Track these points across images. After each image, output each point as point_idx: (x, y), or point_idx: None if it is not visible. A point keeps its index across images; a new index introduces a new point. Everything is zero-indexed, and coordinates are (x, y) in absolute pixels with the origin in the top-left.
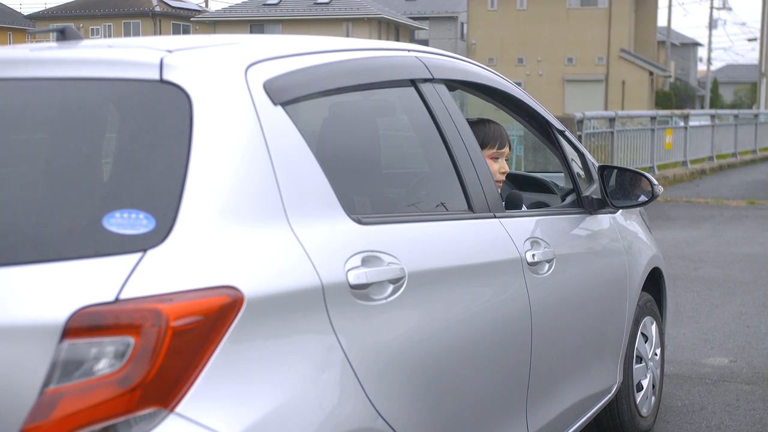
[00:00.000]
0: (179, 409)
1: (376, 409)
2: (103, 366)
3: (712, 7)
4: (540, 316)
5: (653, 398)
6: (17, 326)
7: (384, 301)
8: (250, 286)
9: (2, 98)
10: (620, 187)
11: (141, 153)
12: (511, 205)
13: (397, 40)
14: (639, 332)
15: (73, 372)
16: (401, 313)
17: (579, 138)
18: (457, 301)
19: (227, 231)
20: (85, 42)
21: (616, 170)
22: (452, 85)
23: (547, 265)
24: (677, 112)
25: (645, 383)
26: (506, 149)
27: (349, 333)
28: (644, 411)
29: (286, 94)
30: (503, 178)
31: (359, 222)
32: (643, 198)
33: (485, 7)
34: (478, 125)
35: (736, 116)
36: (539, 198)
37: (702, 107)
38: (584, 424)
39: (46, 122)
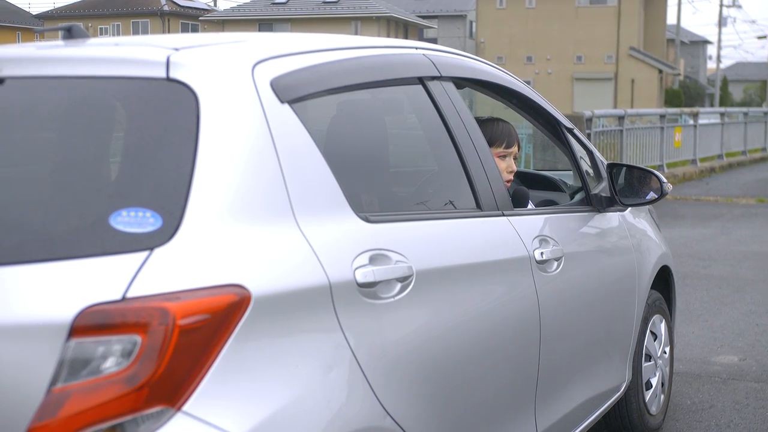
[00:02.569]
0: (186, 407)
1: (384, 408)
2: (110, 364)
3: (721, 5)
4: (548, 315)
5: (662, 396)
6: (24, 325)
7: (392, 300)
8: (258, 284)
9: (9, 96)
10: (629, 185)
11: (148, 151)
12: (517, 201)
13: (406, 38)
14: (648, 330)
15: (80, 370)
16: (409, 312)
17: (588, 136)
18: (465, 300)
19: (234, 229)
20: (92, 40)
21: (625, 168)
22: (460, 83)
23: (555, 264)
24: (686, 110)
25: (654, 381)
26: (514, 148)
27: (356, 331)
28: (653, 409)
29: (293, 92)
30: (511, 177)
31: (367, 220)
32: (652, 196)
33: (494, 6)
34: (486, 124)
35: (745, 114)
36: (548, 196)
37: (711, 105)
38: (593, 422)
39: (53, 121)
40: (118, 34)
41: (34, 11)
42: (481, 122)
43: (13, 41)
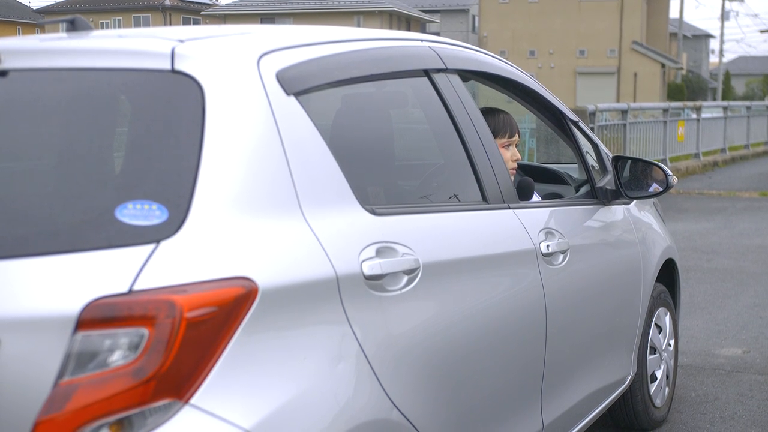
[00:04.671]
0: (194, 400)
1: (391, 401)
2: (117, 358)
3: None
4: (554, 307)
5: (667, 389)
6: (31, 318)
7: (398, 292)
8: (265, 277)
9: (13, 89)
10: (634, 178)
11: (153, 144)
12: (522, 191)
13: None
14: (653, 323)
15: (87, 364)
16: (416, 304)
17: (591, 130)
18: (471, 292)
19: (241, 222)
20: (96, 32)
21: (630, 161)
22: (466, 75)
23: (561, 256)
24: (690, 104)
25: (659, 374)
26: (516, 137)
27: (363, 324)
28: (658, 401)
29: (299, 84)
30: (516, 165)
31: (373, 213)
32: (657, 188)
33: (497, 0)
34: (487, 115)
35: (748, 108)
36: (553, 189)
37: (714, 99)
38: (599, 414)
39: (57, 113)
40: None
41: (35, 6)
42: (481, 113)
43: (13, 36)
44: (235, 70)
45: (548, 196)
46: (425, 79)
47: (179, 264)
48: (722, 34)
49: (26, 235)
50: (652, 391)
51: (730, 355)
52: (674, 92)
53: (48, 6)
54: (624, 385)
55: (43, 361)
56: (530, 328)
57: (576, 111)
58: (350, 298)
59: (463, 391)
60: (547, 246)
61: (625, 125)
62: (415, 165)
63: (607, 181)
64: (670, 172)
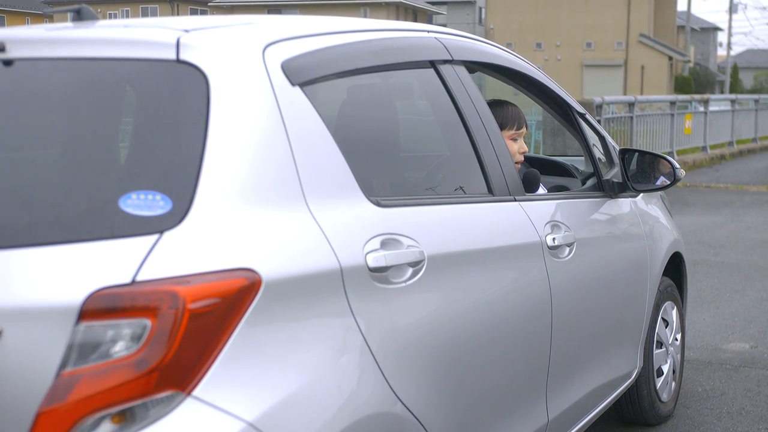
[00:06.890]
0: (196, 392)
1: (395, 393)
2: (119, 348)
3: None
4: (560, 301)
5: (673, 383)
6: (33, 308)
7: (403, 285)
8: (268, 268)
9: (18, 78)
10: (641, 171)
11: (157, 134)
12: (529, 183)
13: None
14: (659, 317)
15: (90, 354)
16: (420, 297)
17: (598, 123)
18: (476, 285)
19: (245, 213)
20: (102, 22)
21: (637, 153)
22: (472, 67)
23: (567, 249)
24: (697, 96)
25: (665, 368)
26: (524, 129)
27: (367, 316)
28: (664, 396)
29: (304, 74)
30: (522, 158)
31: (378, 204)
32: (664, 181)
33: None
34: (495, 107)
35: (756, 101)
36: (559, 181)
37: (721, 92)
38: (604, 409)
39: (62, 102)
40: None
41: None
42: (490, 105)
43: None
44: (240, 60)
45: (554, 189)
46: (431, 71)
47: (183, 255)
48: (730, 27)
49: (30, 224)
50: (658, 385)
51: (737, 350)
52: (681, 85)
53: None
54: (630, 380)
55: (45, 352)
56: (536, 322)
57: (583, 103)
58: (354, 290)
59: (467, 385)
60: (553, 239)
61: (632, 118)
62: (420, 157)
63: (613, 174)
64: (677, 165)
